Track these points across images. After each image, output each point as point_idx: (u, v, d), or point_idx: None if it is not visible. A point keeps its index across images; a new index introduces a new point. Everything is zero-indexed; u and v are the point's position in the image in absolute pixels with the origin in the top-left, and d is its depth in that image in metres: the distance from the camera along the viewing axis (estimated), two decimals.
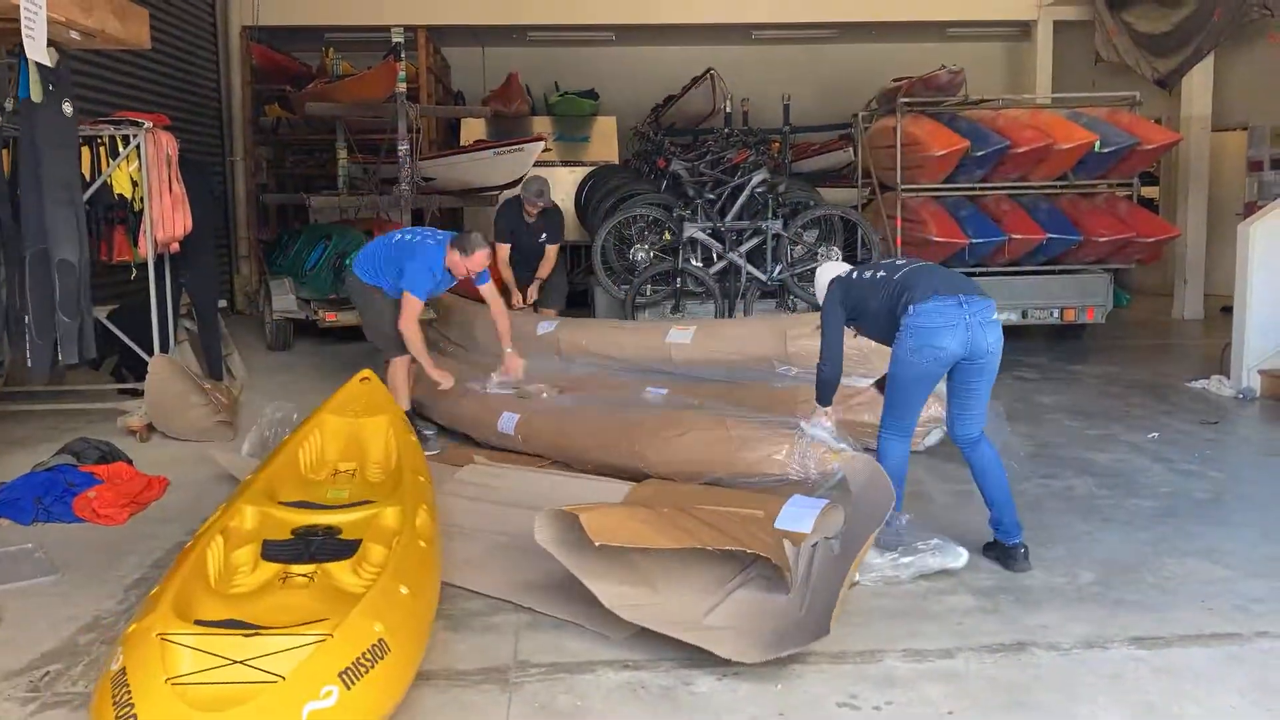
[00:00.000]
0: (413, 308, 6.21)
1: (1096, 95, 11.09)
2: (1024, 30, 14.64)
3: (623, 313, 8.76)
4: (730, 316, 8.68)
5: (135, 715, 2.57)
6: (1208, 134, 12.19)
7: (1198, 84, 11.95)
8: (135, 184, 6.90)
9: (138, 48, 6.67)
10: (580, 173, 13.17)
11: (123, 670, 2.71)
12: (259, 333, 10.75)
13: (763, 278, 8.70)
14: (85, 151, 6.66)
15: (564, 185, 13.44)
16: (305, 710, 2.59)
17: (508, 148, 11.29)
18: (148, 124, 6.87)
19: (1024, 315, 9.55)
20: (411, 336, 6.23)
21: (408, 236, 6.56)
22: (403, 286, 6.23)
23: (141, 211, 6.96)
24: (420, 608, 3.28)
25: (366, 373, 5.69)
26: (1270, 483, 5.69)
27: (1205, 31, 10.97)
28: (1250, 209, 11.23)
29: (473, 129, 13.88)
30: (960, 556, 4.21)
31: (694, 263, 8.73)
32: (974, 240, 9.29)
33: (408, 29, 11.49)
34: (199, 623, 2.98)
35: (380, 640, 2.87)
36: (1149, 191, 13.10)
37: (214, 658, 2.76)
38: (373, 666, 2.79)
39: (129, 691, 2.64)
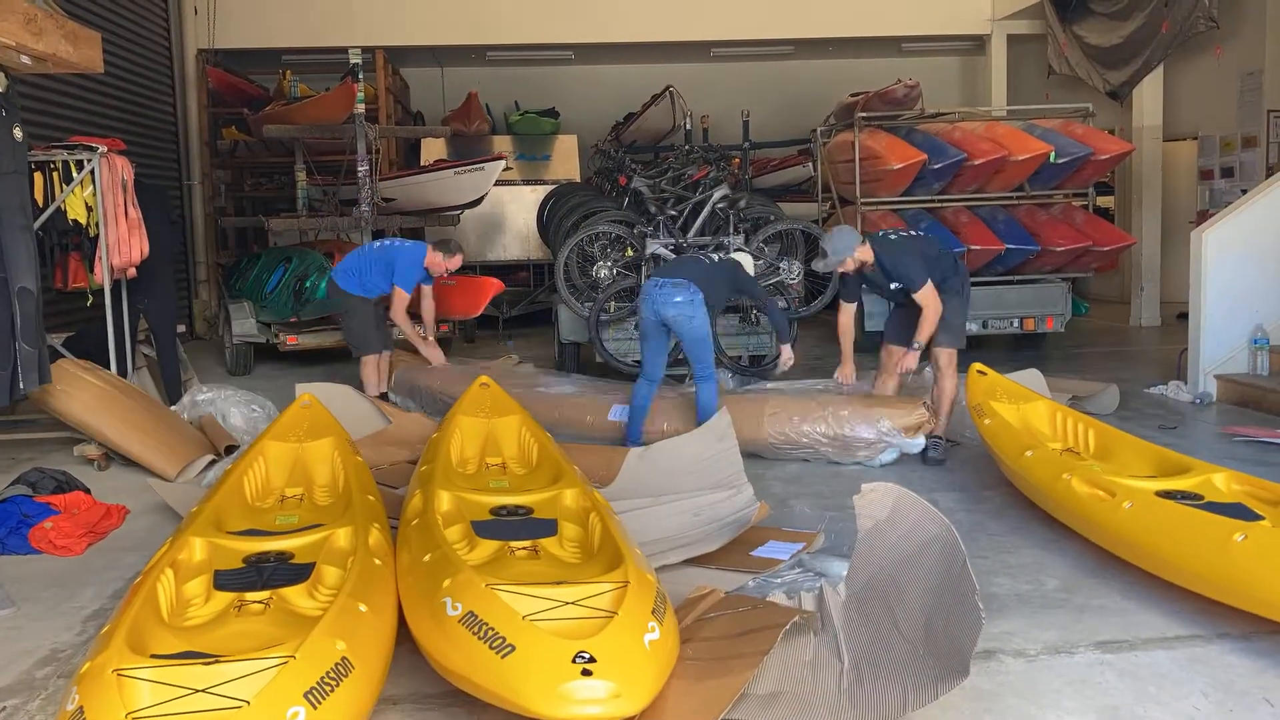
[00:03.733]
0: (401, 300, 7.59)
1: (1050, 107, 11.26)
2: (978, 44, 14.85)
3: (587, 330, 8.75)
4: None
5: None
6: (1159, 144, 12.41)
7: (1148, 95, 12.16)
8: (90, 209, 6.83)
9: (90, 72, 6.60)
10: (542, 191, 13.17)
11: (80, 710, 2.64)
12: (219, 357, 10.64)
13: None
14: (38, 177, 6.58)
15: (525, 204, 13.46)
16: None
17: (468, 167, 11.28)
18: (102, 148, 6.80)
19: (984, 325, 9.65)
20: (402, 323, 7.73)
21: (388, 242, 8.00)
22: (395, 282, 7.52)
23: (97, 237, 6.88)
24: (381, 625, 3.26)
25: (307, 396, 5.74)
26: None
27: (1154, 44, 11.16)
28: (1202, 217, 11.43)
29: (433, 149, 13.86)
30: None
31: None
32: None
33: (365, 50, 11.45)
34: (155, 656, 2.92)
35: (344, 658, 2.84)
36: (1104, 201, 13.29)
37: (174, 689, 2.71)
38: (338, 685, 2.76)
39: None
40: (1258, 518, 4.04)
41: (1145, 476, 4.64)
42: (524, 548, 3.97)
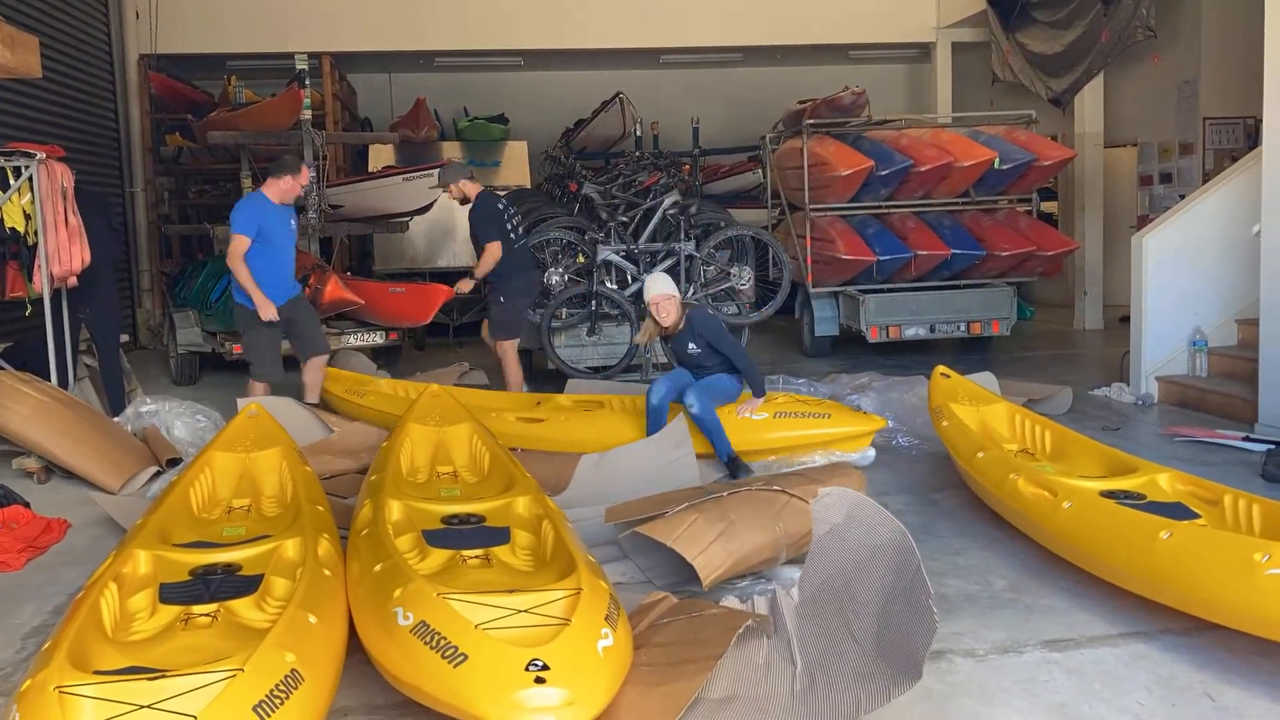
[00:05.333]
0: (238, 244, 6.72)
1: (994, 114, 11.43)
2: (924, 52, 15.03)
3: (539, 337, 8.73)
4: None
5: None
6: (1101, 150, 12.65)
7: (1089, 102, 12.39)
8: (28, 217, 6.68)
9: (28, 77, 6.48)
10: None
11: None
12: (164, 367, 10.46)
13: None
14: None
15: None
16: None
17: (417, 173, 11.20)
18: (41, 155, 6.67)
19: (931, 329, 9.76)
20: (237, 268, 6.75)
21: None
22: (232, 231, 6.72)
23: (36, 245, 6.74)
24: (332, 636, 3.21)
25: (254, 406, 5.68)
26: None
27: (1094, 52, 11.37)
28: (1142, 222, 11.66)
29: (381, 155, 13.75)
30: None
31: (609, 285, 8.75)
32: (881, 257, 9.48)
33: (312, 56, 11.36)
34: (99, 673, 2.86)
35: (293, 670, 2.80)
36: (1048, 206, 13.51)
37: (118, 705, 2.64)
38: (288, 697, 2.71)
39: None
40: (1194, 516, 4.13)
41: (1094, 477, 4.71)
42: (476, 557, 3.93)
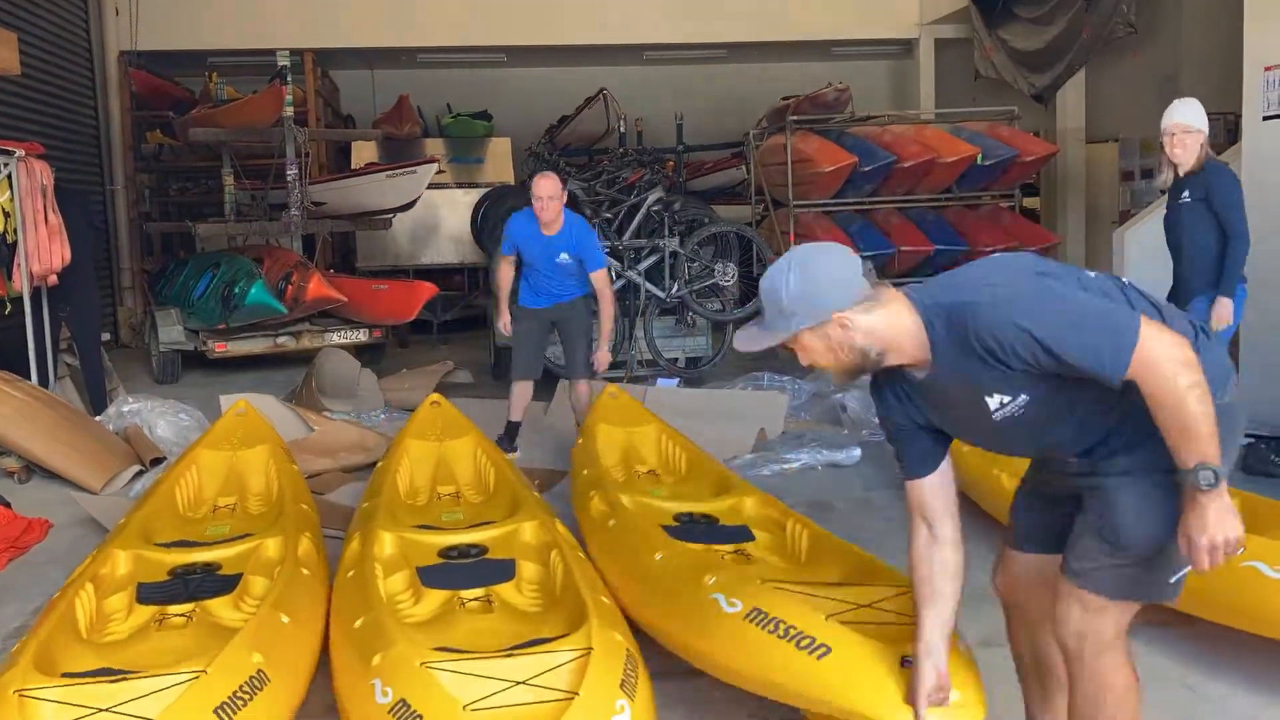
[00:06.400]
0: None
1: (977, 110, 11.47)
2: (906, 48, 15.06)
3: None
4: (630, 335, 8.71)
5: None
6: (1082, 146, 12.72)
7: (1071, 98, 12.45)
8: (7, 215, 6.64)
9: (6, 73, 6.43)
10: (475, 194, 13.08)
11: None
12: (146, 365, 10.40)
13: (661, 295, 8.75)
14: None
15: (459, 207, 13.35)
16: None
17: (400, 170, 11.17)
18: (20, 152, 6.62)
19: None
20: None
21: None
22: None
23: (15, 244, 6.69)
24: (304, 636, 3.18)
25: (242, 404, 5.56)
26: None
27: (1076, 48, 11.43)
28: (1124, 217, 11.72)
29: (364, 152, 13.70)
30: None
31: None
32: (865, 253, 9.49)
33: (294, 52, 11.31)
34: (67, 675, 2.83)
35: (259, 671, 2.76)
36: (1030, 202, 13.57)
37: (78, 709, 2.61)
38: (252, 699, 2.67)
39: None
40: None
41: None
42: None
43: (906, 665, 2.52)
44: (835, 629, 2.71)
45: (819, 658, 2.63)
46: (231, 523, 4.55)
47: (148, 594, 3.60)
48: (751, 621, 2.81)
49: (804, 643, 2.67)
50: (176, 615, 3.47)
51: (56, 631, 3.12)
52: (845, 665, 2.60)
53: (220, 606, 3.52)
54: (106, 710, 2.61)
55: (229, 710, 2.59)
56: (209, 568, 3.79)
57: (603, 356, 6.36)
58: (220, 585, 3.64)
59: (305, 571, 3.59)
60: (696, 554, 3.41)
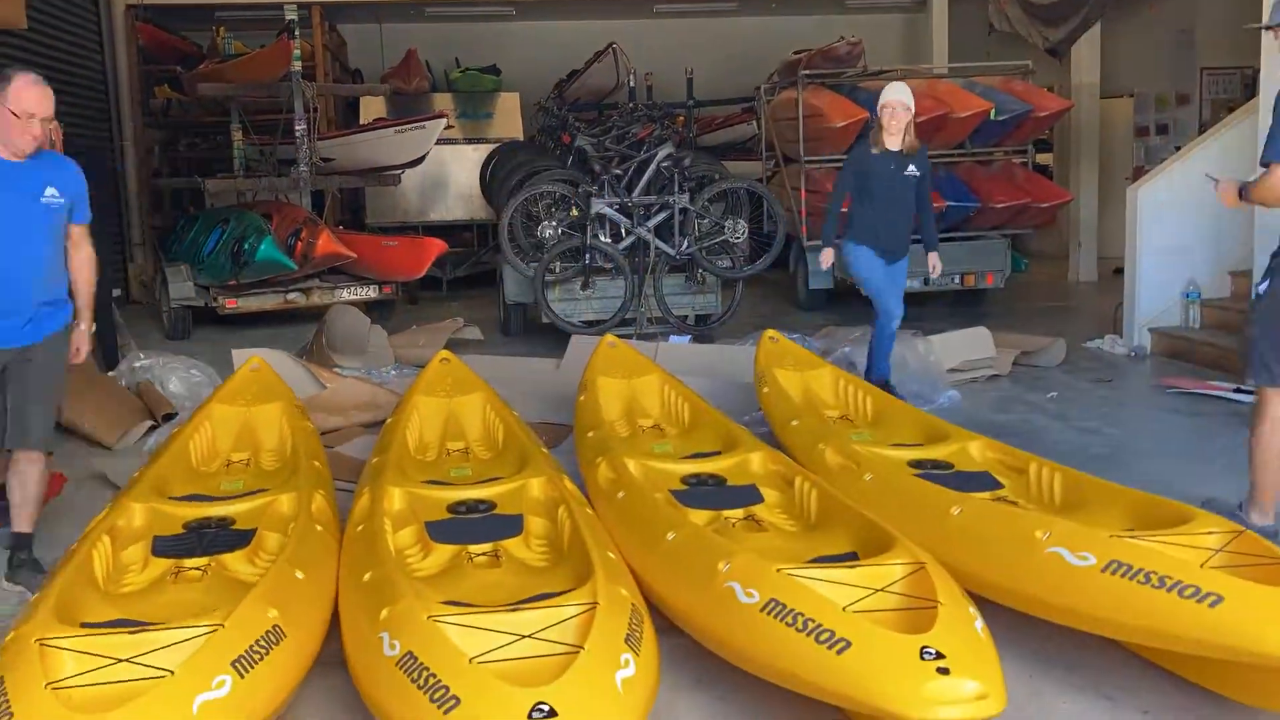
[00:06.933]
0: None
1: (991, 65, 11.32)
2: (920, 2, 14.87)
3: (532, 291, 8.72)
4: (639, 292, 8.70)
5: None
6: (1097, 101, 12.57)
7: (1086, 52, 12.29)
8: None
9: (13, 28, 6.39)
10: (484, 150, 13.04)
11: (0, 679, 2.60)
12: (156, 322, 10.43)
13: (671, 252, 8.73)
14: None
15: (468, 163, 13.30)
16: (196, 703, 2.48)
17: (409, 125, 11.13)
18: None
19: (926, 282, 9.71)
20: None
21: None
22: None
23: None
24: (318, 593, 3.21)
25: (256, 360, 5.56)
26: (1162, 437, 5.93)
27: (1091, 1, 11.26)
28: (1138, 173, 11.63)
29: (372, 108, 13.64)
30: None
31: (602, 238, 8.71)
32: None
33: (301, 6, 11.20)
34: (85, 625, 2.88)
35: (275, 626, 2.80)
36: (1043, 158, 13.46)
37: (98, 658, 2.66)
38: (268, 653, 2.71)
39: (7, 699, 2.53)
40: (998, 486, 4.04)
41: (908, 445, 4.54)
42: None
43: (927, 657, 2.53)
44: (854, 621, 2.70)
45: (839, 652, 2.61)
46: (245, 478, 4.57)
47: (163, 547, 3.64)
48: (769, 614, 2.80)
49: (823, 637, 2.65)
50: (192, 569, 3.51)
51: (75, 583, 3.16)
52: (866, 660, 2.59)
53: (235, 561, 3.56)
54: (126, 660, 2.65)
55: (246, 664, 2.63)
56: (223, 522, 3.83)
57: None
58: (235, 540, 3.68)
59: (319, 528, 3.62)
60: (708, 533, 3.38)
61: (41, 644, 2.68)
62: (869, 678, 2.55)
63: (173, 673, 2.57)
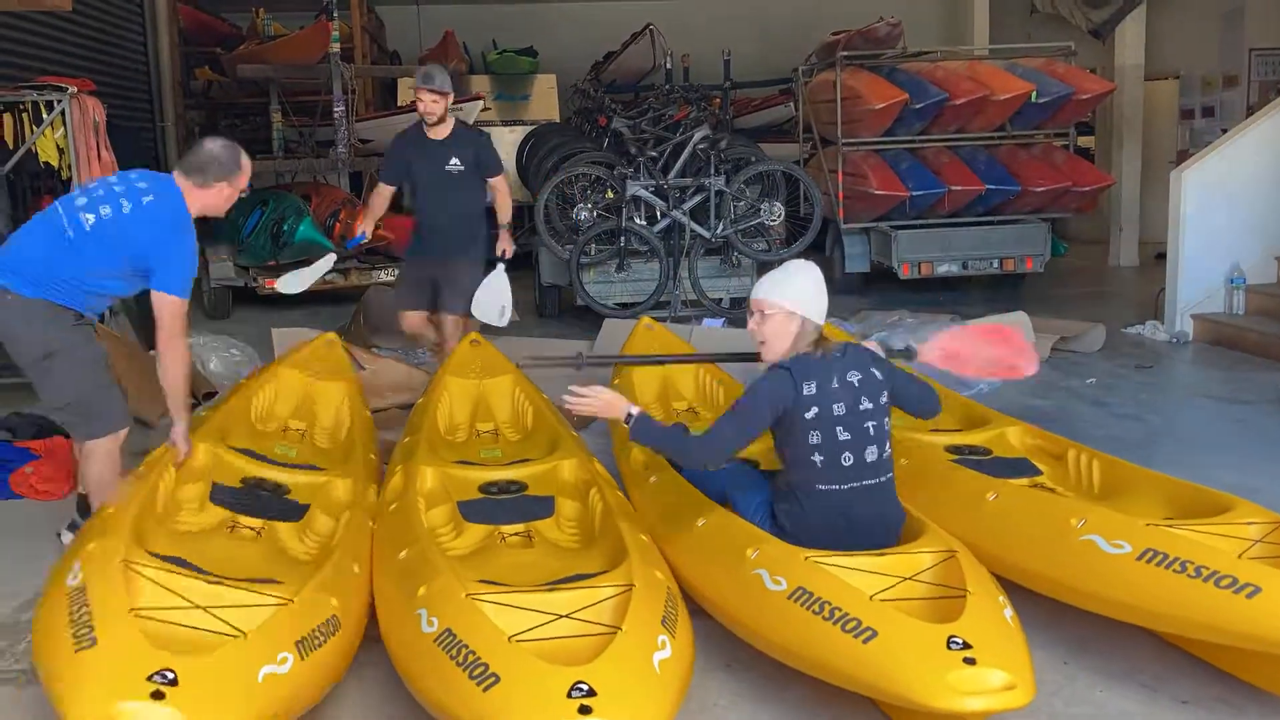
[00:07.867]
0: (178, 313, 4.02)
1: (1032, 46, 11.18)
2: None
3: (568, 273, 8.73)
4: (674, 275, 8.69)
5: (95, 639, 2.47)
6: (1141, 83, 12.36)
7: (1130, 34, 12.09)
8: (62, 151, 6.72)
9: (58, 10, 6.47)
10: (521, 132, 13.03)
11: (82, 589, 2.63)
12: (197, 300, 10.49)
13: (707, 235, 8.71)
14: (8, 119, 6.47)
15: (505, 144, 13.26)
16: (262, 672, 2.51)
17: None
18: (72, 89, 6.67)
19: (964, 266, 9.66)
20: (177, 360, 4.04)
21: (103, 205, 3.79)
22: (157, 287, 3.96)
23: (70, 180, 6.78)
24: (367, 590, 3.22)
25: (332, 336, 5.56)
26: (1202, 424, 5.86)
27: None
28: (1182, 157, 11.43)
29: (409, 89, 13.66)
30: None
31: (638, 221, 8.70)
32: (914, 193, 9.36)
33: None
34: (151, 554, 2.93)
35: (334, 616, 2.83)
36: (1085, 141, 13.26)
37: (176, 597, 2.71)
38: (325, 641, 2.74)
39: (89, 612, 2.55)
40: (1037, 473, 4.01)
41: (946, 430, 4.49)
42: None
43: (954, 647, 2.53)
44: (881, 610, 2.69)
45: (865, 641, 2.61)
46: (299, 447, 4.57)
47: (222, 498, 3.71)
48: (795, 601, 2.80)
49: (849, 625, 2.65)
50: (247, 527, 3.57)
51: (144, 510, 3.25)
52: (892, 649, 2.58)
53: (286, 532, 3.61)
54: (203, 609, 2.71)
55: (307, 646, 2.66)
56: (279, 488, 3.88)
57: None
58: (288, 510, 3.73)
59: (371, 524, 3.61)
60: (738, 520, 3.37)
61: (127, 565, 2.72)
62: (895, 667, 2.55)
63: (246, 635, 2.61)
